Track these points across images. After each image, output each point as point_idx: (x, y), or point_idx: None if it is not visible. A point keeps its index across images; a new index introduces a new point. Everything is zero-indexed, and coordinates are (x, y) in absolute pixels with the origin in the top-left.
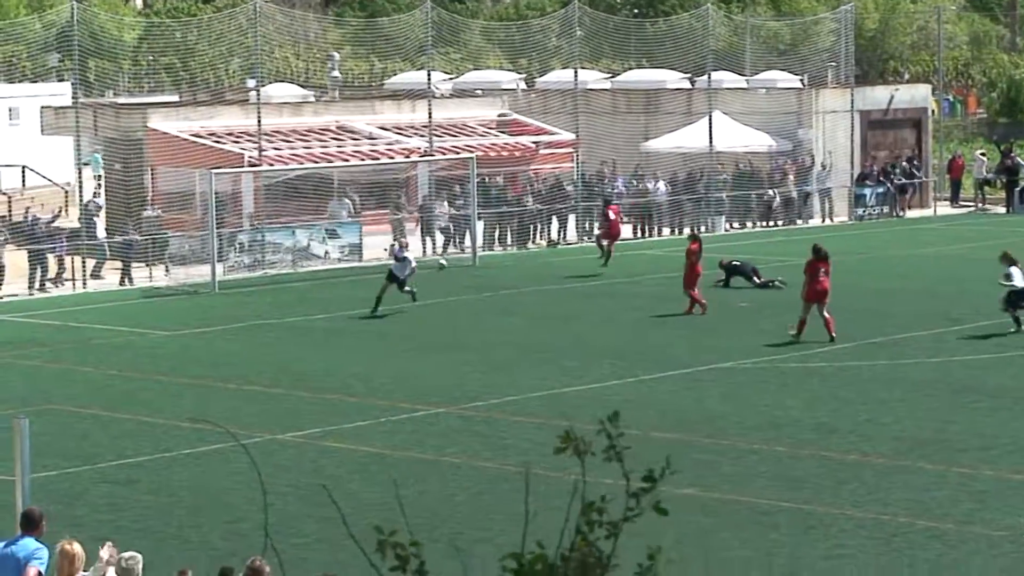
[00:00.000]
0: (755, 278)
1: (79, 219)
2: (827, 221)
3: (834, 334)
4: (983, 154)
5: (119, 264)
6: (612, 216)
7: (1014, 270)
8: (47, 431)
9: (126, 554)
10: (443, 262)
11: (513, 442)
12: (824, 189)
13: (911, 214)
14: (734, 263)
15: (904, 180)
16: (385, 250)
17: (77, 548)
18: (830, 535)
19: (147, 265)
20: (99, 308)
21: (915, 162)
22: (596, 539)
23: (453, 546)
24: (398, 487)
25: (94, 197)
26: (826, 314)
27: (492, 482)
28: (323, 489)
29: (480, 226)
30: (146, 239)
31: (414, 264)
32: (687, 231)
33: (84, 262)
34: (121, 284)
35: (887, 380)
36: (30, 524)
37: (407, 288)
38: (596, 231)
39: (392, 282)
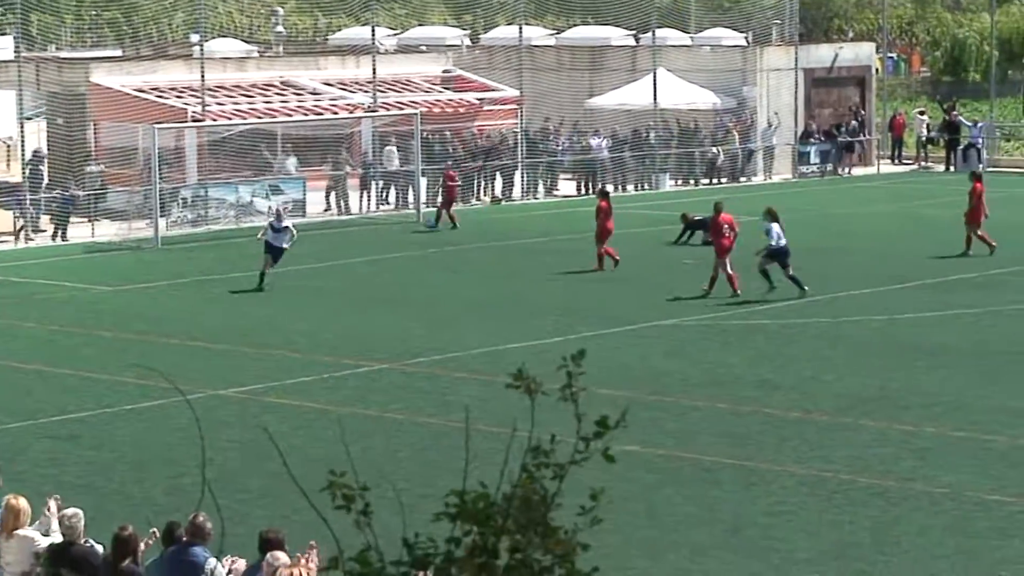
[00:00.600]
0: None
1: (22, 173)
2: (768, 179)
3: (739, 291)
4: (922, 113)
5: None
6: (450, 182)
7: (774, 227)
8: None
9: (68, 511)
10: (432, 221)
11: (456, 398)
12: (769, 147)
13: (854, 172)
14: (696, 218)
15: (849, 138)
16: (263, 233)
17: (23, 503)
18: (772, 491)
19: (89, 220)
20: (41, 263)
21: (858, 117)
22: (541, 479)
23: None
24: (346, 445)
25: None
26: (730, 270)
27: (436, 438)
28: (266, 435)
29: (424, 183)
30: (88, 194)
31: (295, 232)
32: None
33: (26, 217)
34: (53, 239)
35: (830, 338)
36: None
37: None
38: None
39: (271, 254)
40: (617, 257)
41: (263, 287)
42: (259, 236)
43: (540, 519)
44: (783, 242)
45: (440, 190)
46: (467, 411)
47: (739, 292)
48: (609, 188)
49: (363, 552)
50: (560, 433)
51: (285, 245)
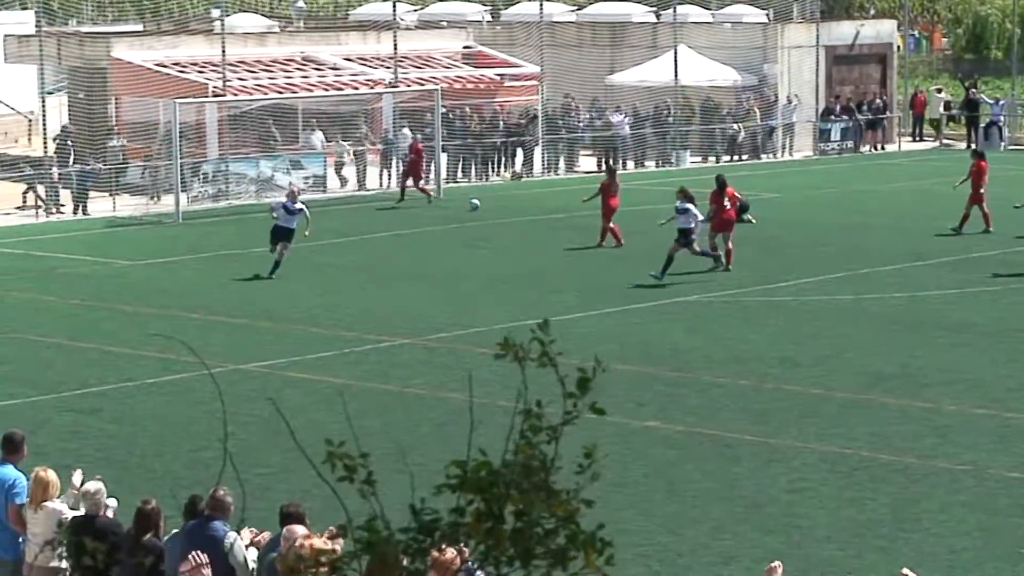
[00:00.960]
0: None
1: (45, 149)
2: (787, 156)
3: (731, 266)
4: (939, 90)
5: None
6: (415, 156)
7: (690, 207)
8: (11, 360)
9: (91, 487)
10: (476, 202)
11: (477, 373)
12: (789, 124)
13: (875, 150)
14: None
15: (871, 116)
16: (273, 210)
17: (51, 475)
18: (793, 468)
19: (111, 195)
20: (62, 238)
21: (882, 98)
22: (538, 443)
23: (409, 472)
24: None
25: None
26: (730, 244)
27: (457, 413)
28: (286, 409)
29: (444, 158)
30: (110, 169)
31: (309, 215)
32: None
33: (47, 192)
34: (75, 214)
35: (851, 315)
36: (11, 448)
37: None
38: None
39: (282, 240)
40: (621, 239)
41: (276, 275)
42: (273, 215)
43: (541, 483)
44: (692, 224)
45: (405, 163)
46: (470, 378)
47: (731, 267)
48: (616, 166)
49: (370, 521)
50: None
51: (294, 226)
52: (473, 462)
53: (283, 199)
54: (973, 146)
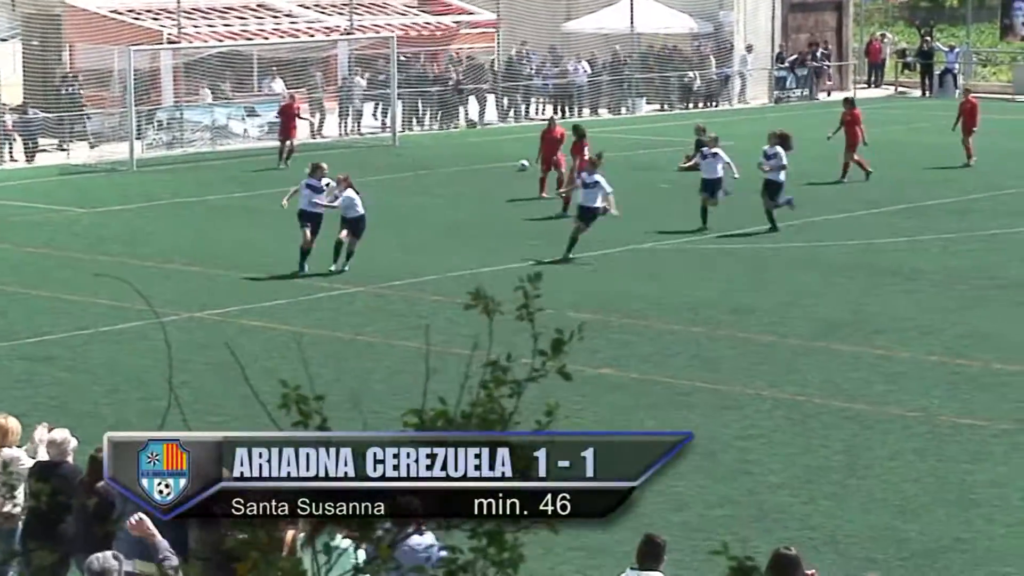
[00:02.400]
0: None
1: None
2: (738, 104)
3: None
4: (883, 36)
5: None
6: (291, 112)
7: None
8: None
9: (57, 436)
10: (525, 163)
11: (431, 321)
12: (744, 72)
13: (830, 97)
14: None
15: (825, 64)
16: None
17: (12, 422)
18: (746, 415)
19: (63, 143)
20: (15, 185)
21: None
22: (500, 397)
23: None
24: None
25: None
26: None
27: (410, 361)
28: (240, 357)
29: (400, 106)
30: (64, 117)
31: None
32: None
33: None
34: (28, 162)
35: (804, 262)
36: None
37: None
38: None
39: (309, 223)
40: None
41: (305, 269)
42: (285, 201)
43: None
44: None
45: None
46: (427, 328)
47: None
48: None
49: None
50: (526, 356)
51: (321, 210)
52: (431, 411)
53: (306, 179)
54: (929, 93)
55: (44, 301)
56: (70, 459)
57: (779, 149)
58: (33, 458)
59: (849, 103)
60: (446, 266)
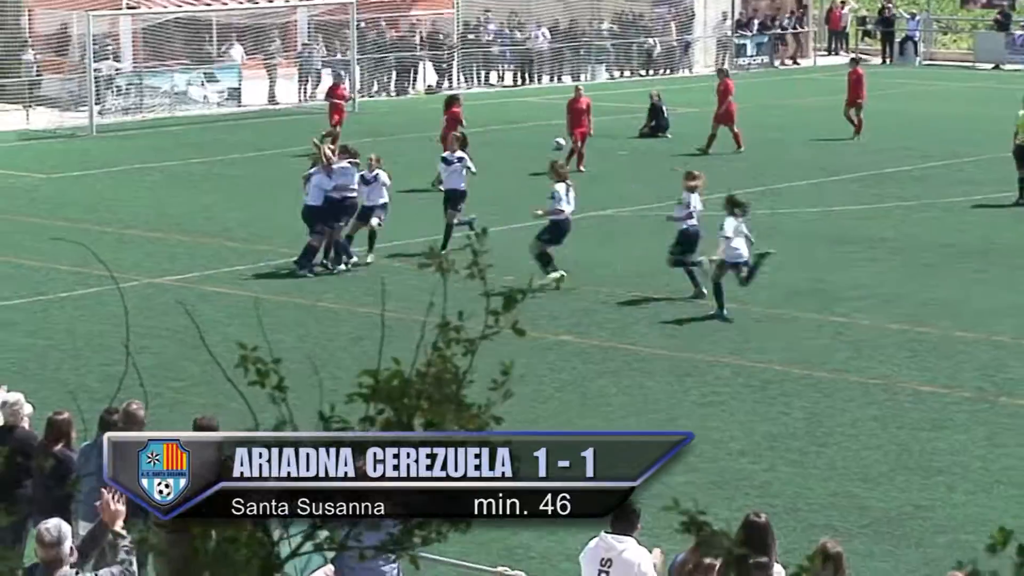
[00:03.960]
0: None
1: None
2: (703, 70)
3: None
4: (843, 3)
5: None
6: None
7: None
8: None
9: (10, 398)
10: (560, 141)
11: (392, 288)
12: (711, 39)
13: (789, 64)
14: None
15: (786, 30)
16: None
17: None
18: (706, 383)
19: (24, 108)
20: None
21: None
22: (453, 355)
23: (319, 385)
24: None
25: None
26: None
27: (371, 328)
28: (186, 313)
29: (358, 72)
30: (22, 82)
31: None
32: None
33: None
34: None
35: (764, 229)
36: None
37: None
38: None
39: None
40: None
41: (340, 266)
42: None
43: (453, 396)
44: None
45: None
46: (383, 284)
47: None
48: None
49: (278, 426)
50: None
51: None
52: (385, 371)
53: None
54: (889, 61)
55: (3, 267)
56: (25, 424)
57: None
58: None
59: (723, 73)
60: (407, 232)
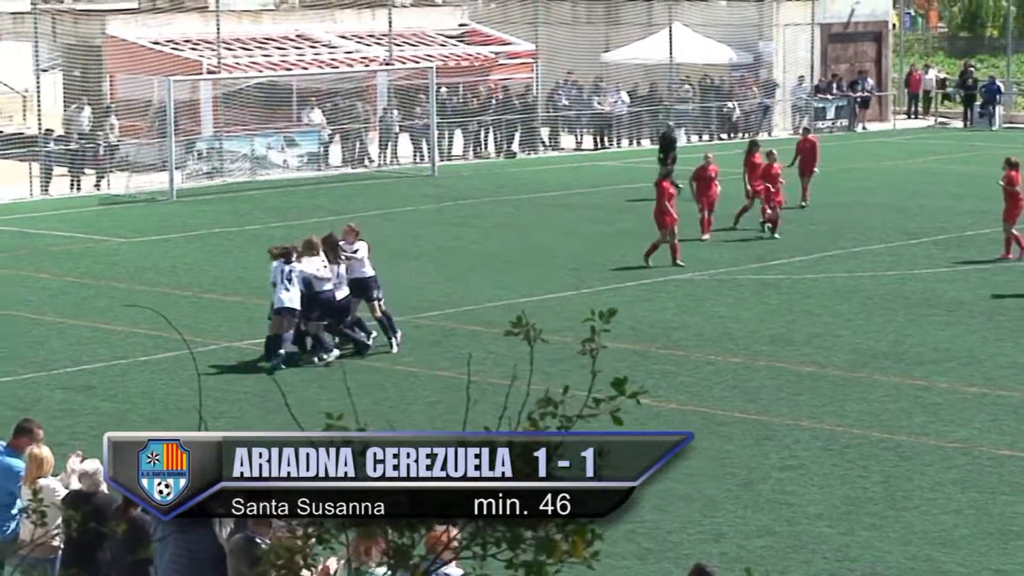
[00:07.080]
0: None
1: (40, 126)
2: (783, 134)
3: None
4: (927, 67)
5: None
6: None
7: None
8: (4, 337)
9: (88, 467)
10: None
11: (469, 352)
12: (788, 102)
13: (870, 127)
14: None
15: (866, 94)
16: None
17: (46, 452)
18: (785, 446)
19: (100, 173)
20: (55, 215)
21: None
22: (545, 428)
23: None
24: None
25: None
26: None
27: (448, 391)
28: (277, 386)
29: (437, 136)
30: (106, 147)
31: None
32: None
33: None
34: (70, 191)
35: (844, 293)
36: (20, 433)
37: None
38: None
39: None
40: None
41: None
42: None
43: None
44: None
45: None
46: (469, 357)
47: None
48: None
49: None
50: (572, 385)
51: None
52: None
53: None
54: (970, 124)
55: (83, 331)
56: (103, 488)
57: None
58: (67, 488)
59: (806, 131)
60: (485, 296)
